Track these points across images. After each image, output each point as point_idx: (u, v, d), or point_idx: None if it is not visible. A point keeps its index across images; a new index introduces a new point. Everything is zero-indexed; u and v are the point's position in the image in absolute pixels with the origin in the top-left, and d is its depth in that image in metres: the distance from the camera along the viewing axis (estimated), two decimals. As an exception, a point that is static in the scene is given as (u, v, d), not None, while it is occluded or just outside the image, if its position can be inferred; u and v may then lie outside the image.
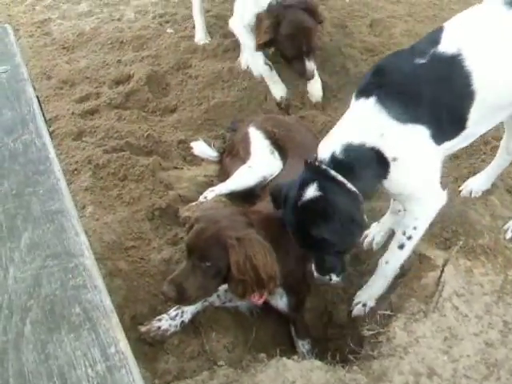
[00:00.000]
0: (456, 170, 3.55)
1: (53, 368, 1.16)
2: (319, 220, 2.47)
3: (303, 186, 2.48)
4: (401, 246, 2.79)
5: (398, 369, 2.53)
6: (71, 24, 5.39)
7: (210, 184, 3.60)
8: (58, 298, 1.31)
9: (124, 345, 1.20)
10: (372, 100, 2.46)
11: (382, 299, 3.01)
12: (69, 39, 5.14)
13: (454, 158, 3.58)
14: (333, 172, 2.43)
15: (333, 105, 4.28)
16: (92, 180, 3.59)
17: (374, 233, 3.20)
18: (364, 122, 2.49)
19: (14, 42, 2.49)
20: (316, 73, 4.22)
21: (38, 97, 2.18)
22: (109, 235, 3.21)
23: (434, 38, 2.56)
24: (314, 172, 2.48)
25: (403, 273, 3.02)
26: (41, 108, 2.12)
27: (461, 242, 3.06)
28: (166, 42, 4.88)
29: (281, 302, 2.93)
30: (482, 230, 3.11)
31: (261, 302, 2.76)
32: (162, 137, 3.94)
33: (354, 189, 2.45)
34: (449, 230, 3.18)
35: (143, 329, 2.76)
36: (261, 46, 4.07)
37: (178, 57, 4.67)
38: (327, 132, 2.67)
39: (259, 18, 4.01)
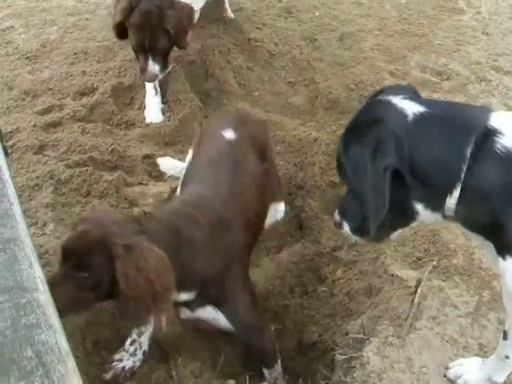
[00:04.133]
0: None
1: (-1, 422, 1.04)
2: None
3: None
4: None
5: (372, 396, 2.45)
6: (35, 33, 5.23)
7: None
8: (7, 338, 1.18)
9: (81, 394, 1.08)
10: None
11: (353, 320, 2.93)
12: (32, 49, 4.97)
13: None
14: None
15: (303, 119, 4.20)
16: (53, 196, 3.44)
17: None
18: None
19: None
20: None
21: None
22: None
23: None
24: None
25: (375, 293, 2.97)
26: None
27: (434, 262, 3.00)
28: (131, 53, 4.74)
29: (217, 317, 2.54)
30: (455, 250, 3.05)
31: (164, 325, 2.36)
32: (126, 151, 3.82)
33: None
34: (421, 248, 3.12)
35: (108, 376, 2.61)
36: (116, 30, 3.97)
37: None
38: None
39: None
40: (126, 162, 3.74)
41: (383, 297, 2.89)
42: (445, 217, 2.03)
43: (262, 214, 2.94)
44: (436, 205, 1.99)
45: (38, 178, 3.58)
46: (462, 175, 1.88)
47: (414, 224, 2.15)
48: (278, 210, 3.25)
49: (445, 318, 2.75)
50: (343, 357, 2.69)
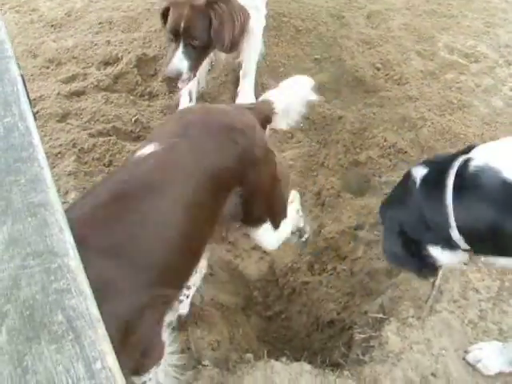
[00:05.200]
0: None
1: (31, 384, 1.03)
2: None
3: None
4: None
5: (390, 376, 2.44)
6: (60, 1, 5.20)
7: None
8: (38, 302, 1.17)
9: (112, 360, 1.07)
10: None
11: (372, 300, 2.92)
12: (57, 17, 4.95)
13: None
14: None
15: (328, 96, 4.15)
16: (76, 164, 3.45)
17: None
18: None
19: (-2, 16, 2.33)
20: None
21: (22, 76, 2.03)
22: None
23: None
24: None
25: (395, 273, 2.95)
26: (26, 89, 1.97)
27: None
28: (156, 23, 4.71)
29: None
30: (478, 234, 3.01)
31: None
32: (150, 122, 3.81)
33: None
34: (444, 231, 3.09)
35: None
36: (163, 17, 3.45)
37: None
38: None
39: None
40: (148, 132, 3.72)
41: (404, 278, 2.87)
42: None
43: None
44: (447, 242, 2.10)
45: (60, 145, 3.59)
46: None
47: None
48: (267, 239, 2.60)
49: (466, 302, 2.74)
50: (362, 336, 2.69)
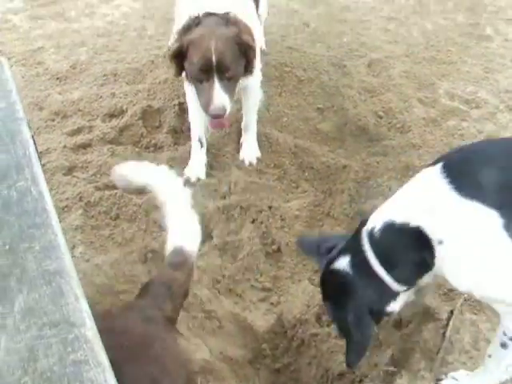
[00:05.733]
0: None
1: None
2: (336, 295, 2.43)
3: (341, 251, 2.43)
4: (503, 345, 2.40)
5: (403, 431, 2.42)
6: (65, 54, 5.29)
7: (205, 226, 3.50)
8: (56, 374, 1.18)
9: None
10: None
11: (383, 352, 2.90)
12: (62, 69, 5.03)
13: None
14: (368, 253, 2.32)
15: (332, 145, 4.19)
16: (83, 218, 3.47)
17: None
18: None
19: (9, 77, 2.36)
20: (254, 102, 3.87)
21: (33, 137, 2.06)
22: (100, 278, 3.09)
23: None
24: (355, 242, 2.38)
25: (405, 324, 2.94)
26: (36, 150, 2.00)
27: (465, 295, 2.96)
28: (160, 76, 4.78)
29: None
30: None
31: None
32: (156, 175, 3.82)
33: (385, 277, 2.30)
34: (451, 281, 3.08)
35: None
36: (175, 61, 3.37)
37: (173, 92, 4.57)
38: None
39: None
40: (154, 185, 3.74)
41: (414, 329, 2.86)
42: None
43: None
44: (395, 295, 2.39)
45: (67, 199, 3.61)
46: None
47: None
48: None
49: (477, 353, 2.72)
50: (374, 390, 2.67)
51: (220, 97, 3.21)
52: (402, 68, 5.04)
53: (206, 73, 3.21)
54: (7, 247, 1.49)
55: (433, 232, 2.13)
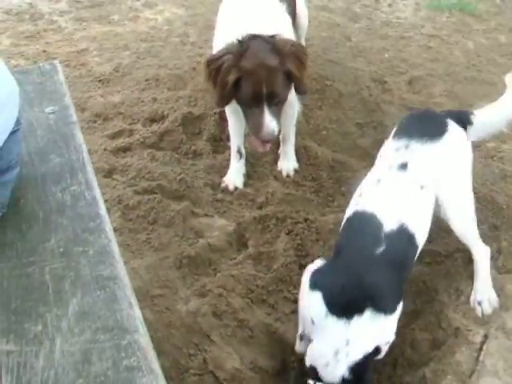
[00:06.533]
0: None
1: None
2: None
3: None
4: None
5: None
6: (108, 57, 5.36)
7: (241, 235, 3.53)
8: (109, 379, 1.20)
9: None
10: None
11: (414, 372, 2.89)
12: (105, 72, 5.11)
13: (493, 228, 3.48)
14: None
15: (370, 161, 4.18)
16: (121, 221, 3.50)
17: None
18: None
19: (63, 80, 2.42)
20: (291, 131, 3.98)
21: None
22: (135, 281, 3.11)
23: None
24: None
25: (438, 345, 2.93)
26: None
27: (500, 319, 2.94)
28: (202, 83, 4.81)
29: None
30: (523, 307, 2.99)
31: None
32: (194, 182, 3.86)
33: None
34: (486, 304, 3.06)
35: None
36: (225, 93, 3.41)
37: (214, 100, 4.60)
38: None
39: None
40: (193, 192, 3.77)
41: (447, 351, 2.84)
42: None
43: None
44: None
45: (106, 201, 3.61)
46: None
47: None
48: None
49: (510, 380, 2.69)
50: (406, 410, 2.66)
51: (270, 122, 3.34)
52: (442, 87, 5.02)
53: (256, 100, 3.34)
54: (61, 250, 1.53)
55: None
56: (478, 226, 3.03)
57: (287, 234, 3.55)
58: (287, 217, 3.62)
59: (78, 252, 1.52)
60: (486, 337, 2.86)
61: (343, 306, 2.43)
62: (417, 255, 2.74)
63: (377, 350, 2.52)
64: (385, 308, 2.45)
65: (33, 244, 1.57)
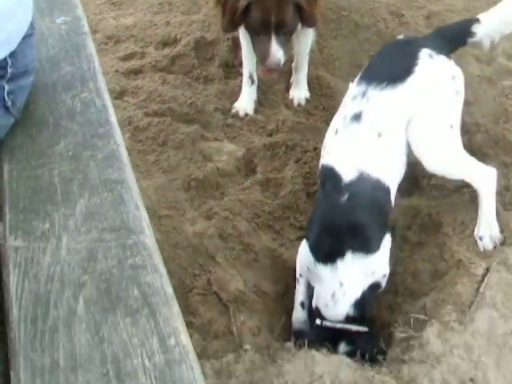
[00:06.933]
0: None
1: (107, 354, 1.08)
2: None
3: None
4: None
5: (428, 377, 2.44)
6: (121, -22, 5.27)
7: (250, 160, 3.53)
8: (114, 276, 1.23)
9: (185, 337, 1.11)
10: None
11: (414, 301, 2.93)
12: (118, -6, 5.03)
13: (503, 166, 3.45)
14: None
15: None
16: (130, 142, 3.50)
17: None
18: None
19: (75, -6, 2.39)
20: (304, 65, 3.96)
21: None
22: (143, 202, 3.13)
23: None
24: None
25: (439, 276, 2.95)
26: (99, 66, 2.02)
27: (503, 254, 2.96)
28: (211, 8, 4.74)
29: None
30: (526, 243, 3.00)
31: None
32: (204, 106, 3.84)
33: None
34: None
35: None
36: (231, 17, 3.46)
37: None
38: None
39: None
40: (203, 116, 3.77)
41: (448, 282, 2.87)
42: None
43: None
44: None
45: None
46: None
47: None
48: None
49: (510, 313, 2.72)
50: (402, 335, 2.69)
51: (276, 51, 3.37)
52: (460, 23, 4.91)
53: (264, 28, 3.36)
54: (70, 153, 1.54)
55: None
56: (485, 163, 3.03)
57: (296, 162, 3.55)
58: (297, 145, 3.62)
59: (86, 156, 1.53)
60: (487, 270, 2.88)
61: (325, 252, 2.57)
62: (392, 195, 2.77)
63: (376, 285, 2.67)
64: (364, 248, 2.56)
65: (42, 147, 1.58)
